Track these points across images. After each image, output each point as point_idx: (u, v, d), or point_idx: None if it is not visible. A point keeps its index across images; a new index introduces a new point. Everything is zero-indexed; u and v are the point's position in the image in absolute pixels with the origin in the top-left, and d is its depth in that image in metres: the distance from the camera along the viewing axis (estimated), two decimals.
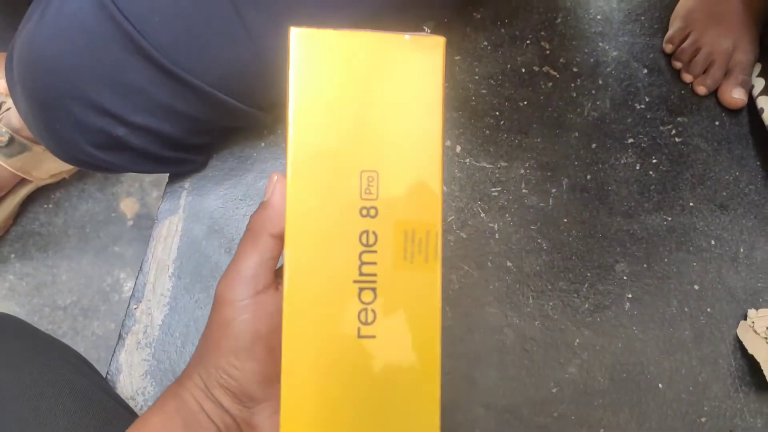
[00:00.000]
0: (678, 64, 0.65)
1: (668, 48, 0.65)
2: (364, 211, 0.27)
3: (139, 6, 0.47)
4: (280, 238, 0.31)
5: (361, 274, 0.27)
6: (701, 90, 0.64)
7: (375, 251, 0.27)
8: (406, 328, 0.27)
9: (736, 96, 0.62)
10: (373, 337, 0.27)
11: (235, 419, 0.33)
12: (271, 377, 0.31)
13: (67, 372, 0.45)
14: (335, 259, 0.27)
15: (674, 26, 0.66)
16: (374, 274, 0.27)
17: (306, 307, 0.27)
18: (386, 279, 0.27)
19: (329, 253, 0.27)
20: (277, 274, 0.33)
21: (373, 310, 0.27)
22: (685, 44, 0.64)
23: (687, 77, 0.64)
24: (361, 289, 0.27)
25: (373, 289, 0.27)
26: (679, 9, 0.66)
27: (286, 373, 0.27)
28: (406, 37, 0.27)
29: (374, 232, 0.27)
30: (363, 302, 0.27)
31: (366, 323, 0.27)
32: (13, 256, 0.93)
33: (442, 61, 0.27)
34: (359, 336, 0.27)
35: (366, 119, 0.27)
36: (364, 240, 0.27)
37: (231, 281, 0.32)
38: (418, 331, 0.27)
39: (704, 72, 0.64)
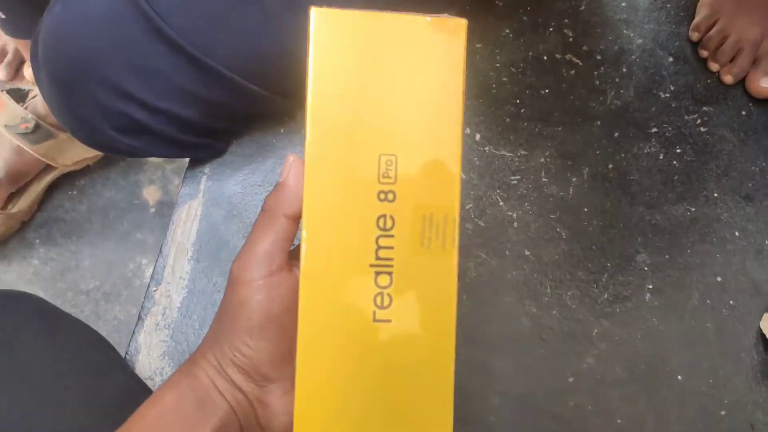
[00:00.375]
0: (704, 53, 0.63)
1: (694, 36, 0.64)
2: (382, 195, 0.27)
3: None
4: (294, 220, 0.31)
5: (377, 258, 0.27)
6: (728, 79, 0.62)
7: (392, 236, 0.27)
8: (421, 314, 0.27)
9: (764, 85, 0.61)
10: (389, 321, 0.27)
11: (248, 396, 0.33)
12: (284, 357, 0.32)
13: (86, 350, 0.46)
14: (352, 242, 0.27)
15: (701, 14, 0.64)
16: (391, 258, 0.27)
17: (322, 288, 0.27)
18: (403, 264, 0.27)
19: (346, 236, 0.27)
20: (292, 255, 0.33)
21: (389, 295, 0.27)
22: (711, 32, 0.63)
23: (713, 66, 0.63)
24: (377, 273, 0.27)
25: (390, 274, 0.27)
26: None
27: (302, 352, 0.27)
28: (428, 19, 0.27)
29: (392, 216, 0.27)
30: (379, 286, 0.27)
31: (382, 307, 0.27)
32: (38, 241, 0.94)
33: (464, 44, 0.27)
34: (375, 320, 0.27)
35: (385, 102, 0.27)
36: (381, 224, 0.27)
37: (246, 261, 0.32)
38: (434, 316, 0.27)
39: (731, 61, 0.62)
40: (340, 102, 0.27)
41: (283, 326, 0.31)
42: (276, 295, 0.31)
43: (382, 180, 0.27)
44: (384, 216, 0.27)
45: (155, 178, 0.98)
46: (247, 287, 0.32)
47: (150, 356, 0.51)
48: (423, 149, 0.27)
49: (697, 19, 0.64)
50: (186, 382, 0.34)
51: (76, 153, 0.94)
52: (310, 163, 0.27)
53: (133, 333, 0.52)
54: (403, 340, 0.27)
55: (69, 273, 0.92)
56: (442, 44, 0.27)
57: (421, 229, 0.26)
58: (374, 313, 0.27)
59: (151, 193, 0.97)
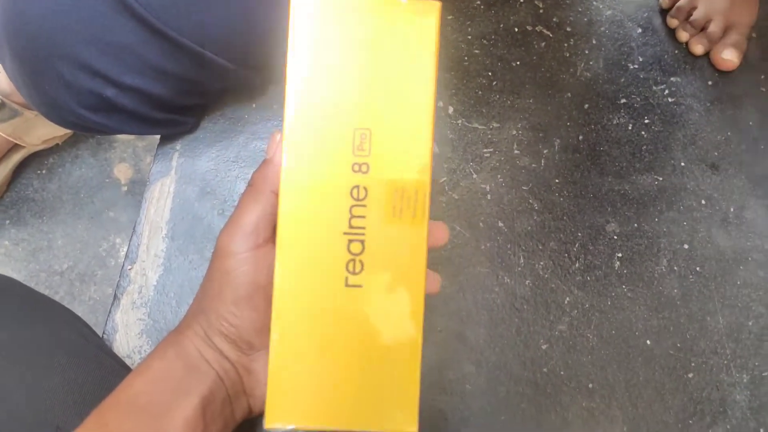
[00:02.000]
0: (674, 22, 0.64)
1: (665, 3, 0.65)
2: (356, 167, 0.28)
3: None
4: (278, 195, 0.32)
5: (350, 227, 0.28)
6: (698, 49, 0.63)
7: (365, 206, 0.28)
8: (391, 280, 0.28)
9: (726, 57, 0.61)
10: (360, 286, 0.28)
11: (234, 365, 0.34)
12: (270, 326, 0.32)
13: (62, 331, 0.46)
14: (327, 211, 0.28)
15: None
16: (363, 227, 0.28)
17: (297, 255, 0.28)
18: (375, 232, 0.28)
19: (321, 205, 0.28)
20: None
21: (360, 261, 0.28)
22: (681, 2, 0.63)
23: (683, 35, 0.63)
24: (350, 241, 0.28)
25: (362, 242, 0.28)
26: None
27: (277, 317, 0.28)
28: (403, 0, 0.28)
29: (365, 188, 0.28)
30: (351, 253, 0.28)
31: (353, 273, 0.28)
32: (7, 222, 0.93)
33: (436, 25, 0.28)
34: (347, 285, 0.28)
35: (362, 79, 0.28)
36: (354, 194, 0.28)
37: (232, 234, 0.33)
38: (404, 282, 0.27)
39: (701, 30, 0.63)
40: (319, 78, 0.28)
41: (269, 296, 0.32)
42: (262, 266, 0.32)
43: (356, 153, 0.28)
44: (357, 187, 0.28)
45: (126, 155, 0.96)
46: (233, 258, 0.33)
47: (127, 335, 0.51)
48: (396, 125, 0.28)
49: None
50: (173, 351, 0.34)
51: (44, 131, 0.92)
52: (288, 138, 0.28)
53: (110, 312, 0.52)
54: (373, 304, 0.28)
55: (41, 254, 0.91)
56: (416, 25, 0.28)
57: (393, 199, 0.28)
58: (346, 278, 0.28)
59: (122, 171, 0.96)
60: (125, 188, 0.95)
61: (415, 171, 0.28)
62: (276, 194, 0.31)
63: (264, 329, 0.32)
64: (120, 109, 0.51)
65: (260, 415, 0.39)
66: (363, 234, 0.28)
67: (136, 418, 0.32)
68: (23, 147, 0.93)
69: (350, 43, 0.28)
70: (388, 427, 0.26)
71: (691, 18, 0.63)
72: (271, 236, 0.33)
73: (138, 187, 0.95)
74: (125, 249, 0.91)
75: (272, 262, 0.32)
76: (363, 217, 0.28)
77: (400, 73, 0.28)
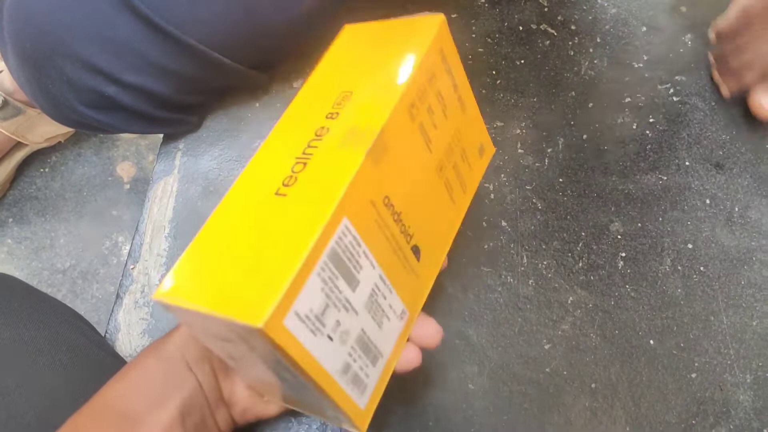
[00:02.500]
0: (713, 61, 0.59)
1: (712, 36, 0.59)
2: (329, 115, 0.32)
3: None
4: None
5: (303, 153, 0.31)
6: (724, 90, 0.58)
7: (321, 139, 0.31)
8: (310, 192, 0.29)
9: (765, 104, 0.56)
10: (285, 195, 0.30)
11: (214, 370, 0.33)
12: None
13: (64, 329, 0.46)
14: (290, 143, 0.32)
15: (730, 15, 0.57)
16: (311, 154, 0.31)
17: (250, 178, 0.32)
18: (319, 158, 0.31)
19: (289, 140, 0.33)
20: None
21: (296, 177, 0.30)
22: (730, 47, 0.57)
23: (717, 76, 0.59)
24: (297, 162, 0.31)
25: (305, 163, 0.30)
26: (740, 6, 0.57)
27: (210, 218, 0.32)
28: (411, 17, 0.35)
29: (329, 128, 0.32)
30: (293, 171, 0.31)
31: (286, 185, 0.30)
32: (10, 220, 0.93)
33: (434, 33, 0.33)
34: (276, 194, 0.30)
35: (366, 72, 0.34)
36: (318, 132, 0.32)
37: None
38: (320, 195, 0.29)
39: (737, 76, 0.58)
40: (333, 75, 0.35)
41: None
42: None
43: (334, 106, 0.32)
44: (323, 127, 0.32)
45: (129, 154, 0.96)
46: None
47: (130, 334, 0.51)
48: (376, 92, 0.32)
49: (723, 22, 0.58)
50: (153, 356, 0.34)
51: (47, 130, 0.92)
52: (292, 104, 0.35)
53: (112, 311, 0.52)
54: (286, 210, 0.29)
55: (44, 252, 0.91)
56: (418, 34, 0.34)
57: (344, 135, 0.31)
58: (278, 189, 0.30)
59: (125, 170, 0.96)
60: (128, 186, 0.95)
61: (374, 116, 0.31)
62: None
63: None
64: (122, 108, 0.51)
65: (248, 424, 0.39)
66: (309, 157, 0.30)
67: (111, 425, 0.31)
68: (26, 145, 0.93)
69: (368, 52, 0.36)
70: (235, 315, 0.25)
71: (732, 65, 0.56)
72: None
73: (141, 186, 0.95)
74: (128, 247, 0.91)
75: None
76: (316, 147, 0.31)
77: (397, 67, 0.33)
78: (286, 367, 0.27)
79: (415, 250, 0.34)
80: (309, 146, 0.31)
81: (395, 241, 0.32)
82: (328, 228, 0.28)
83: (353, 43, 0.37)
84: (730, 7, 0.57)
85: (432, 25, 0.33)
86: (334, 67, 0.36)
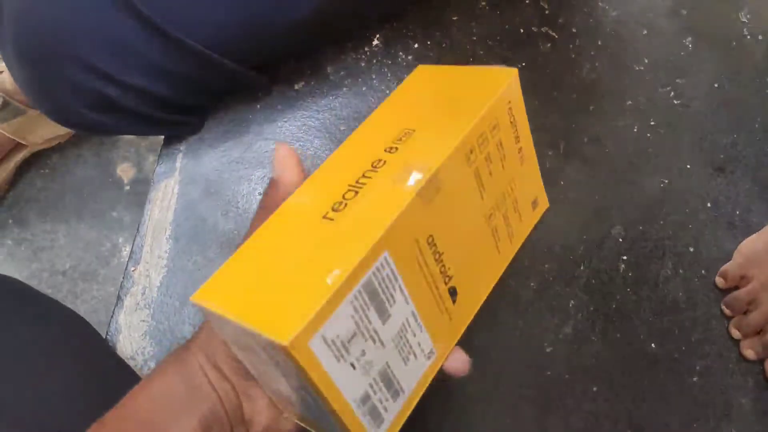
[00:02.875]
0: (728, 311, 0.55)
1: (719, 282, 0.55)
2: (389, 149, 0.33)
3: None
4: None
5: (357, 182, 0.31)
6: (749, 354, 0.53)
7: (377, 171, 0.32)
8: (357, 222, 0.30)
9: None
10: (332, 220, 0.30)
11: (235, 387, 0.33)
12: None
13: (66, 332, 0.46)
14: (346, 170, 0.32)
15: (734, 260, 0.55)
16: (365, 183, 0.31)
17: (303, 197, 0.33)
18: (371, 187, 0.31)
19: (345, 167, 0.33)
20: None
21: (346, 203, 0.31)
22: (740, 292, 0.54)
23: (735, 333, 0.54)
24: (349, 189, 0.31)
25: (357, 191, 0.31)
26: (745, 245, 0.56)
27: (248, 240, 0.32)
28: (485, 67, 0.37)
29: (385, 161, 0.32)
30: (344, 198, 0.31)
31: (335, 210, 0.30)
32: (10, 221, 0.93)
33: (504, 86, 0.34)
34: (323, 217, 0.30)
35: (432, 111, 0.36)
36: (374, 164, 0.32)
37: None
38: (366, 226, 0.29)
39: (757, 333, 0.53)
40: (399, 110, 0.37)
41: None
42: None
43: (395, 141, 0.33)
44: (381, 160, 0.32)
45: (129, 155, 0.96)
46: None
47: (131, 336, 0.51)
48: (438, 133, 0.33)
49: (728, 265, 0.56)
50: (174, 368, 0.34)
51: (47, 130, 0.92)
52: (355, 133, 0.36)
53: (113, 313, 0.52)
54: (332, 235, 0.30)
55: (44, 253, 0.91)
56: (490, 84, 0.35)
57: (400, 170, 0.31)
58: (326, 213, 0.30)
59: (125, 171, 0.96)
60: (128, 188, 0.95)
61: (425, 160, 0.31)
62: None
63: None
64: (123, 109, 0.51)
65: None
66: (362, 187, 0.31)
67: None
68: (26, 146, 0.93)
69: (440, 91, 0.38)
70: (264, 329, 0.26)
71: (749, 316, 0.53)
72: None
73: (141, 187, 0.95)
74: (128, 248, 0.91)
75: None
76: (370, 177, 0.31)
77: (461, 111, 0.34)
78: (306, 387, 0.28)
79: (453, 292, 0.34)
80: (364, 176, 0.31)
81: (433, 281, 0.32)
82: (367, 259, 0.28)
83: (424, 83, 0.38)
84: (735, 252, 0.56)
85: (505, 77, 0.34)
86: (402, 103, 0.37)
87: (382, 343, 0.30)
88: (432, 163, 0.31)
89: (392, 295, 0.30)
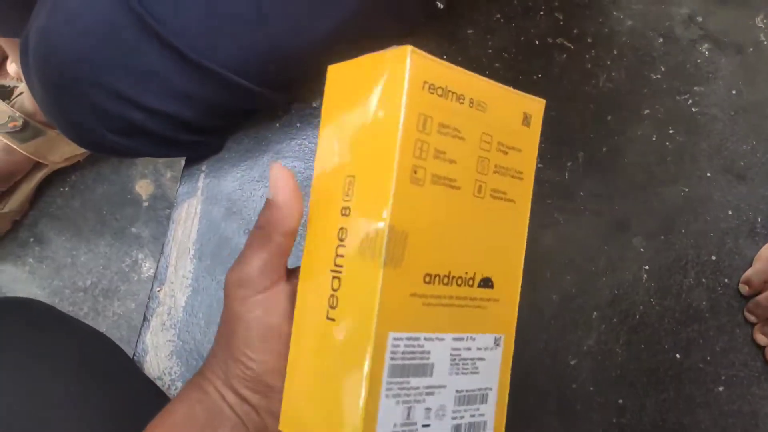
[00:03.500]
0: (752, 318, 0.55)
1: (743, 289, 0.55)
2: (343, 211, 0.30)
3: None
4: (289, 236, 0.32)
5: (335, 265, 0.30)
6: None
7: (345, 245, 0.30)
8: (353, 318, 0.29)
9: None
10: (334, 320, 0.30)
11: (256, 408, 0.34)
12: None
13: (96, 354, 0.46)
14: (322, 249, 0.31)
15: (756, 266, 0.55)
16: (342, 266, 0.30)
17: (305, 300, 0.32)
18: (348, 270, 0.30)
19: (320, 245, 0.31)
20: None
21: (336, 297, 0.30)
22: (762, 296, 0.54)
23: (760, 338, 0.54)
24: (333, 277, 0.30)
25: (339, 278, 0.30)
26: (766, 250, 0.56)
27: (290, 354, 0.32)
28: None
29: (346, 229, 0.30)
30: (333, 290, 0.30)
31: (332, 307, 0.30)
32: (32, 239, 0.94)
33: (406, 72, 0.28)
34: (327, 318, 0.30)
35: (358, 131, 0.31)
36: (340, 236, 0.30)
37: (240, 278, 0.32)
38: (356, 326, 0.29)
39: None
40: (333, 146, 0.32)
41: (284, 335, 0.32)
42: (273, 308, 0.32)
43: (344, 198, 0.30)
44: (343, 228, 0.30)
45: (147, 171, 0.97)
46: (243, 303, 0.32)
47: (158, 356, 0.52)
48: (373, 172, 0.30)
49: (750, 271, 0.55)
50: (195, 396, 0.34)
51: (66, 150, 0.93)
52: (312, 192, 0.33)
53: (140, 334, 0.53)
54: (338, 335, 0.29)
55: (65, 270, 0.92)
56: (391, 77, 0.29)
57: (360, 242, 0.29)
58: (327, 313, 0.30)
59: (143, 187, 0.97)
60: (146, 204, 0.96)
61: (377, 216, 0.29)
62: (285, 236, 0.32)
63: (282, 369, 0.32)
64: (147, 133, 0.52)
65: None
66: (341, 271, 0.30)
67: None
68: (46, 165, 0.95)
69: (353, 103, 0.31)
70: None
71: None
72: (281, 276, 0.33)
73: (159, 203, 0.96)
74: (148, 264, 0.92)
75: (283, 301, 0.32)
76: (343, 256, 0.30)
77: (381, 125, 0.30)
78: None
79: (485, 283, 0.32)
80: (337, 255, 0.30)
81: (457, 300, 0.31)
82: (376, 353, 0.28)
83: (339, 93, 0.33)
84: (756, 258, 0.56)
85: (400, 60, 0.29)
86: (333, 128, 0.32)
87: (441, 386, 0.30)
88: (383, 219, 0.28)
89: (422, 352, 0.29)
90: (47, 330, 0.47)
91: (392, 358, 0.28)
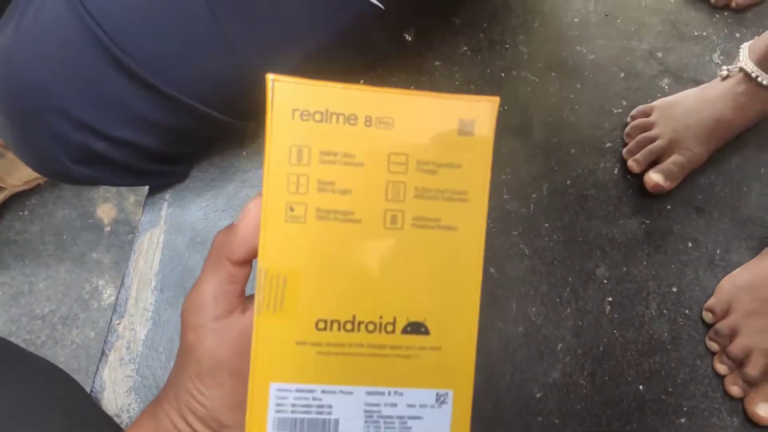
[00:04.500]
0: (713, 346, 0.56)
1: (707, 317, 0.57)
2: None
3: (116, 18, 0.46)
4: (241, 265, 0.30)
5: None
6: (734, 390, 0.54)
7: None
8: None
9: (762, 413, 0.53)
10: None
11: None
12: (241, 402, 0.30)
13: (54, 390, 0.45)
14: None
15: (717, 296, 0.57)
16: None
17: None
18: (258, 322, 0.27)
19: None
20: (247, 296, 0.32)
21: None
22: (721, 325, 0.55)
23: (720, 368, 0.55)
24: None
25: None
26: (726, 281, 0.58)
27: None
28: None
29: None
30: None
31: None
32: None
33: (270, 103, 0.26)
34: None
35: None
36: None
37: (192, 305, 0.31)
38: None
39: (740, 366, 0.54)
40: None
41: (236, 371, 0.30)
42: (224, 340, 0.31)
43: None
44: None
45: (109, 195, 0.95)
46: (194, 333, 0.31)
47: (116, 392, 0.50)
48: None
49: (712, 300, 0.57)
50: (149, 425, 0.33)
51: (26, 173, 0.91)
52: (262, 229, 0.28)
53: (97, 369, 0.51)
54: None
55: (23, 297, 0.89)
56: (268, 107, 0.27)
57: (267, 290, 0.27)
58: None
59: (105, 212, 0.95)
60: (108, 228, 0.94)
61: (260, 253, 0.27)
62: (236, 264, 0.30)
63: (233, 406, 0.31)
64: (109, 162, 0.51)
65: None
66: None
67: None
68: (4, 188, 0.92)
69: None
70: None
71: (731, 347, 0.54)
72: (234, 306, 0.31)
73: (122, 227, 0.94)
74: (108, 291, 0.90)
75: (236, 334, 0.30)
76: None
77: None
78: None
79: (415, 329, 0.28)
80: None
81: (369, 348, 0.28)
82: (256, 405, 0.27)
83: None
84: (717, 288, 0.58)
85: (269, 90, 0.27)
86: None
87: None
88: (259, 262, 0.27)
89: (321, 404, 0.27)
90: (6, 363, 0.45)
91: (278, 411, 0.27)
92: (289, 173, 0.26)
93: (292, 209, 0.26)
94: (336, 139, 0.26)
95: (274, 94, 0.26)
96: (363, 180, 0.27)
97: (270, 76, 0.26)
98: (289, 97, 0.26)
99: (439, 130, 0.27)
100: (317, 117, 0.26)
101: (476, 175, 0.28)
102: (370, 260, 0.27)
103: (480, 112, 0.27)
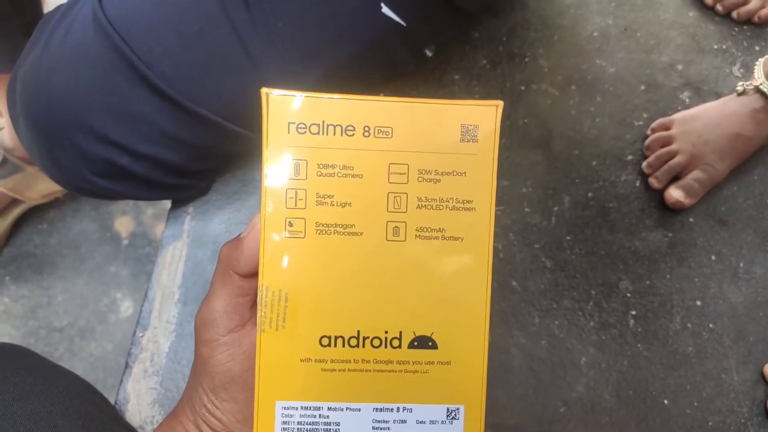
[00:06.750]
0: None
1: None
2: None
3: (142, 37, 0.47)
4: (249, 277, 0.30)
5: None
6: (653, 182, 0.61)
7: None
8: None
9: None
10: None
11: None
12: (253, 416, 0.31)
13: (78, 403, 0.45)
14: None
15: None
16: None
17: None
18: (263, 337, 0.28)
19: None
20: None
21: None
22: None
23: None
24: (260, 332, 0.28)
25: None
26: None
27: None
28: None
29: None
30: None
31: None
32: (7, 278, 0.92)
33: (265, 118, 0.26)
34: None
35: None
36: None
37: (204, 319, 0.31)
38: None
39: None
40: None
41: (249, 385, 0.30)
42: (237, 353, 0.31)
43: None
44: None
45: (127, 208, 0.96)
46: (207, 346, 0.31)
47: (140, 405, 0.50)
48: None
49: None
50: None
51: (45, 187, 0.91)
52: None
53: (121, 381, 0.51)
54: None
55: (41, 310, 0.90)
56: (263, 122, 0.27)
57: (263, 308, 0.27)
58: None
59: (123, 225, 0.95)
60: (126, 242, 0.94)
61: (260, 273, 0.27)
62: (243, 277, 0.30)
63: (247, 420, 0.31)
64: (133, 177, 0.51)
65: None
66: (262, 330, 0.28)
67: None
68: (23, 201, 0.93)
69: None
70: None
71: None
72: (246, 319, 0.31)
73: (139, 240, 0.94)
74: (126, 303, 0.90)
75: (249, 348, 0.30)
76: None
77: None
78: None
79: (422, 343, 0.27)
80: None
81: (375, 364, 0.27)
82: (262, 424, 0.26)
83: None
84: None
85: (263, 105, 0.26)
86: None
87: None
88: (260, 279, 0.26)
89: (328, 421, 0.27)
90: (31, 375, 0.45)
91: (284, 429, 0.26)
92: (287, 188, 0.26)
93: (290, 224, 0.26)
94: (333, 151, 0.26)
95: (268, 108, 0.26)
96: (363, 192, 0.26)
97: (264, 90, 0.26)
98: (284, 111, 0.26)
99: (441, 137, 0.26)
100: (313, 129, 0.26)
101: (482, 183, 0.27)
102: (373, 274, 0.27)
103: (483, 116, 0.27)
